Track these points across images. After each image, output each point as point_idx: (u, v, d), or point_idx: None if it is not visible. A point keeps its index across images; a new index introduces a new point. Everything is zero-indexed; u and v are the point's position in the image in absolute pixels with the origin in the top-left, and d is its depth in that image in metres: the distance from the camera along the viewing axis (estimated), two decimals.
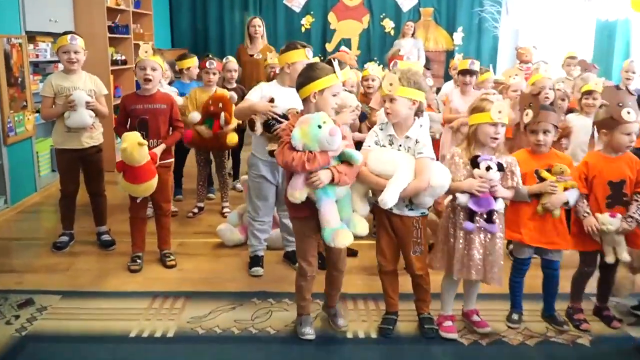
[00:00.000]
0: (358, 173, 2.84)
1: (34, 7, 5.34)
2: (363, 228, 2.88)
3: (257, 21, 6.70)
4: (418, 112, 2.89)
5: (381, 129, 2.95)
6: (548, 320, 3.24)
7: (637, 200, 3.02)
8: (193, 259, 4.07)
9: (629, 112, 2.99)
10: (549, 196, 3.00)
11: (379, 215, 3.05)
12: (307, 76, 2.81)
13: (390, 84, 2.84)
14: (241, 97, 4.97)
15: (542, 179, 3.03)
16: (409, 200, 2.88)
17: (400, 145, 2.89)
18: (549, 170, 3.04)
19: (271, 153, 3.45)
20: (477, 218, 2.87)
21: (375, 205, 2.96)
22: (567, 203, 3.03)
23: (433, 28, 9.88)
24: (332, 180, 2.70)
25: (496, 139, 2.86)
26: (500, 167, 2.86)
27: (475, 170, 2.86)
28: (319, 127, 2.66)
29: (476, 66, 4.90)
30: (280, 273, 3.84)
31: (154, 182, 3.68)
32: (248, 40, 6.73)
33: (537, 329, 3.18)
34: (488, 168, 2.83)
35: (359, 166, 2.81)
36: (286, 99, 3.42)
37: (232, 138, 4.75)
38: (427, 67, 5.74)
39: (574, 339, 3.09)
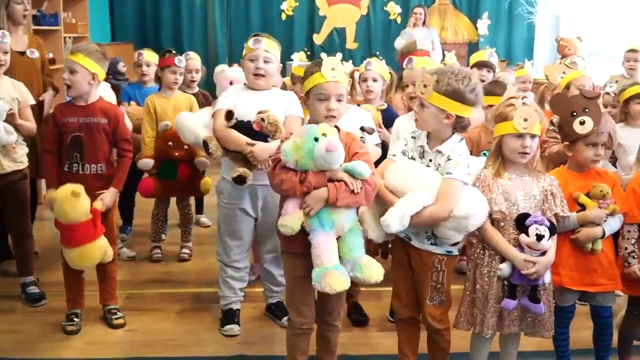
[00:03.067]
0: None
1: None
2: (373, 273, 2.86)
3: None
4: (458, 127, 2.93)
5: (413, 137, 3.04)
6: None
7: None
8: (146, 316, 4.09)
9: None
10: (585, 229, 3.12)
11: (396, 248, 3.14)
12: (303, 78, 2.95)
13: (425, 86, 2.91)
14: (204, 104, 5.09)
15: (582, 206, 3.14)
16: (431, 231, 2.96)
17: (430, 160, 2.97)
18: (587, 195, 3.15)
19: (237, 179, 3.53)
20: (518, 291, 2.97)
21: (397, 235, 3.03)
22: (603, 235, 3.14)
23: (451, 14, 10.08)
24: (327, 201, 2.77)
25: (526, 153, 2.96)
26: (553, 231, 2.96)
27: (522, 238, 2.93)
28: (316, 140, 2.75)
29: (495, 59, 5.03)
30: (262, 331, 3.87)
31: (93, 248, 3.65)
32: None
33: None
34: (540, 237, 2.89)
35: (372, 184, 2.84)
36: (253, 104, 3.57)
37: (207, 183, 4.82)
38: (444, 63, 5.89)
39: None
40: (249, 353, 3.63)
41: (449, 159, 2.88)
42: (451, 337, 3.14)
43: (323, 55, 3.08)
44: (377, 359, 3.57)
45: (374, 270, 2.87)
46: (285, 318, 3.76)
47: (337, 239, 2.85)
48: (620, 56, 6.32)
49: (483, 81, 4.73)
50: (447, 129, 2.93)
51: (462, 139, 2.95)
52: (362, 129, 3.42)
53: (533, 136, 2.96)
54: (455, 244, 2.99)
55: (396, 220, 2.80)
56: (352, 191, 2.78)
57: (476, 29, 10.02)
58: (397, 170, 2.97)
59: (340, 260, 2.83)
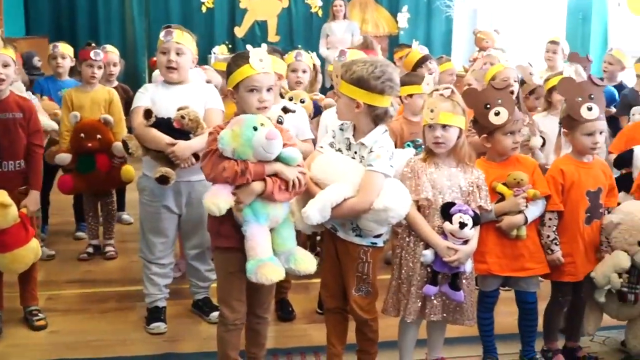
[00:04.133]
0: None
1: None
2: (308, 265, 2.93)
3: None
4: (375, 117, 2.94)
5: (341, 129, 3.05)
6: None
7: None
8: (69, 317, 4.02)
9: (589, 109, 3.24)
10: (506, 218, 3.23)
11: (325, 239, 3.17)
12: (227, 71, 2.92)
13: (337, 76, 2.97)
14: (124, 99, 5.01)
15: (502, 195, 3.25)
16: (356, 223, 2.98)
17: (355, 153, 2.99)
18: (505, 184, 3.26)
19: (160, 180, 3.49)
20: (440, 278, 3.05)
21: (325, 227, 3.06)
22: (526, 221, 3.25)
23: (372, 8, 10.19)
24: (262, 193, 2.78)
25: (439, 143, 3.05)
26: (477, 221, 3.05)
27: (446, 225, 3.01)
28: (255, 129, 2.76)
29: (425, 51, 5.14)
30: (189, 328, 3.85)
31: (26, 251, 3.61)
32: None
33: None
34: (463, 225, 2.98)
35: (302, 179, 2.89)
36: (172, 100, 3.55)
37: (129, 171, 4.74)
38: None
39: None
40: (176, 351, 3.60)
41: (370, 151, 2.91)
42: (382, 325, 3.19)
43: (248, 47, 3.08)
44: (306, 351, 3.60)
45: (308, 261, 2.94)
46: (213, 314, 3.77)
47: (271, 230, 2.87)
48: (534, 48, 6.56)
49: (431, 73, 4.82)
50: (365, 120, 2.94)
51: (386, 130, 2.98)
52: (285, 109, 3.44)
53: (445, 126, 3.04)
54: (378, 236, 3.03)
55: (316, 212, 2.82)
56: (287, 188, 2.82)
57: (396, 22, 10.16)
58: (322, 162, 3.00)
59: (274, 253, 2.85)
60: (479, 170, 3.17)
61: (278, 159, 2.82)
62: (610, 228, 3.29)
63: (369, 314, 3.10)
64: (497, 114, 3.22)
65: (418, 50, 5.16)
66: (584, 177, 3.33)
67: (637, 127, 4.11)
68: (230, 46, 9.56)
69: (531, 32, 8.78)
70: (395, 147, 3.79)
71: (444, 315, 3.13)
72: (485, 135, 3.30)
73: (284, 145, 2.83)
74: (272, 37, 9.73)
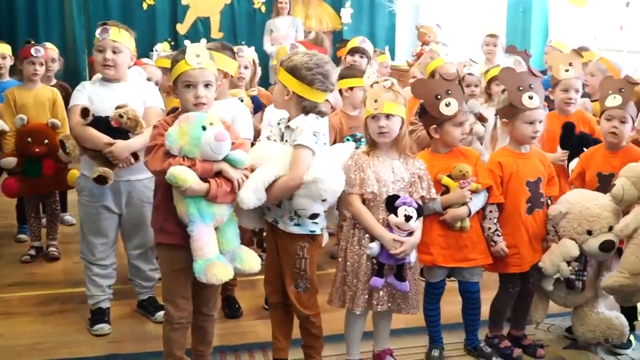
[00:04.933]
0: None
1: None
2: (253, 264, 2.95)
3: None
4: (304, 109, 2.98)
5: (278, 124, 3.09)
6: (473, 352, 3.52)
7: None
8: (12, 320, 3.96)
9: (530, 97, 3.32)
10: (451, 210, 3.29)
11: (267, 235, 3.20)
12: (171, 67, 2.92)
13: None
14: (63, 97, 4.94)
15: (446, 187, 3.30)
16: (294, 211, 2.99)
17: (286, 141, 3.02)
18: (449, 176, 3.31)
19: (98, 180, 3.45)
20: (386, 270, 3.09)
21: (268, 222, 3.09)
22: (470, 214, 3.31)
23: (315, 3, 10.19)
24: (207, 195, 2.77)
25: (383, 133, 3.09)
26: (420, 213, 3.09)
27: (392, 218, 3.05)
28: (204, 128, 2.75)
29: (368, 45, 5.19)
30: (134, 329, 3.83)
31: None
32: None
33: None
34: (408, 218, 3.02)
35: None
36: (111, 98, 3.52)
37: (75, 175, 4.64)
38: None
39: None
40: (121, 351, 3.57)
41: (295, 129, 2.95)
42: (328, 319, 3.24)
43: (187, 42, 3.08)
44: (253, 347, 3.61)
45: (252, 260, 2.95)
46: (158, 313, 3.75)
47: (215, 230, 2.87)
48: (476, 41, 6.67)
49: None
50: (294, 109, 2.99)
51: (317, 117, 2.99)
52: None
53: (388, 116, 3.08)
54: (315, 221, 3.01)
55: (250, 194, 2.84)
56: (231, 189, 2.83)
57: (340, 17, 10.20)
58: (255, 150, 3.04)
59: (219, 252, 2.85)
60: (419, 160, 3.23)
61: (225, 160, 2.83)
62: (559, 218, 3.37)
63: (309, 309, 3.12)
64: (447, 104, 3.26)
65: (357, 40, 5.23)
66: (522, 168, 3.39)
67: (549, 117, 4.18)
68: (172, 43, 9.45)
69: (472, 25, 8.90)
70: (335, 142, 3.85)
71: (390, 305, 3.17)
72: (434, 126, 3.34)
73: (232, 143, 2.85)
74: (215, 33, 9.65)
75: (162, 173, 2.76)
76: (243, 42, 9.19)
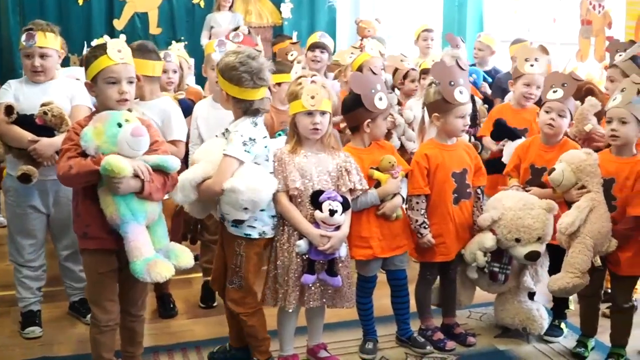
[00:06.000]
0: None
1: None
2: (187, 259, 2.93)
3: None
4: (241, 109, 3.01)
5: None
6: (407, 343, 3.56)
7: (478, 199, 3.55)
8: None
9: (461, 92, 3.38)
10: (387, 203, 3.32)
11: (219, 228, 3.25)
12: (85, 64, 2.86)
13: (211, 68, 3.08)
14: None
15: (378, 181, 3.32)
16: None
17: (227, 139, 3.04)
18: (378, 169, 3.33)
19: (21, 178, 3.39)
20: (317, 266, 3.09)
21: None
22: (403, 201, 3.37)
23: None
24: (141, 192, 2.73)
25: (317, 130, 3.09)
26: (347, 206, 3.09)
27: (317, 213, 3.05)
28: (119, 125, 2.70)
29: (328, 40, 5.18)
30: (66, 331, 3.77)
31: None
32: None
33: (395, 355, 3.49)
34: (332, 212, 3.02)
35: (175, 177, 2.90)
36: (37, 96, 3.46)
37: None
38: (257, 49, 5.89)
39: None
40: (52, 354, 3.52)
41: (229, 137, 2.97)
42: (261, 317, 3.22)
43: (106, 37, 3.01)
44: (188, 346, 3.57)
45: (187, 255, 2.94)
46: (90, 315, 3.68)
47: (147, 228, 2.84)
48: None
49: (318, 61, 4.99)
50: (235, 110, 3.05)
51: (253, 121, 3.00)
52: None
53: (323, 113, 3.09)
54: (238, 223, 3.03)
55: (177, 191, 2.91)
56: (164, 184, 2.82)
57: (280, 12, 10.16)
58: (200, 147, 3.17)
59: None
60: (345, 153, 3.25)
61: (157, 164, 2.80)
62: (490, 225, 3.43)
63: (241, 308, 3.11)
64: (380, 99, 3.29)
65: (317, 35, 5.22)
66: (448, 160, 3.44)
67: (504, 109, 4.28)
68: (125, 38, 9.28)
69: (410, 19, 8.96)
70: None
71: (323, 300, 3.18)
72: (369, 120, 3.33)
73: (155, 142, 2.84)
74: (154, 29, 9.51)
75: (65, 178, 2.72)
76: (182, 38, 9.11)
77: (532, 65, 4.07)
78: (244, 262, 3.06)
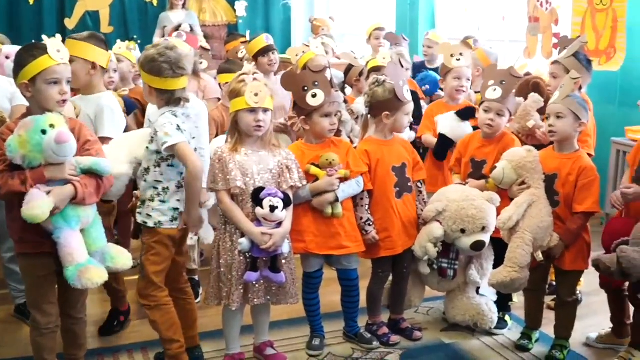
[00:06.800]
0: None
1: None
2: (125, 260, 2.92)
3: None
4: (163, 101, 3.03)
5: None
6: (354, 339, 3.59)
7: (420, 192, 3.61)
8: None
9: (407, 90, 3.45)
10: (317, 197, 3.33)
11: None
12: (16, 63, 2.79)
13: None
14: None
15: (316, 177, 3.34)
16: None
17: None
18: (317, 165, 3.34)
19: None
20: (260, 263, 3.09)
21: None
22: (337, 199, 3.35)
23: None
24: (75, 198, 2.70)
25: (260, 127, 3.09)
26: (288, 202, 3.10)
27: (258, 210, 3.05)
28: (44, 132, 2.63)
29: (271, 40, 5.18)
30: (11, 334, 3.73)
31: None
32: None
33: (342, 351, 3.52)
34: (273, 209, 3.03)
35: (111, 179, 2.89)
36: None
37: None
38: (205, 48, 5.84)
39: (384, 356, 3.48)
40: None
41: (155, 132, 2.98)
42: (205, 314, 3.35)
43: (44, 37, 2.97)
44: (134, 347, 3.55)
45: (124, 257, 2.91)
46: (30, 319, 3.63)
47: (81, 231, 2.81)
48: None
49: (275, 63, 4.96)
50: (158, 102, 3.08)
51: (170, 110, 3.02)
52: None
53: (265, 110, 3.09)
54: (140, 208, 3.10)
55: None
56: (97, 188, 2.79)
57: (234, 10, 10.12)
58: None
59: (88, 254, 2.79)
60: (286, 150, 3.26)
61: (89, 168, 2.77)
62: (436, 217, 3.47)
63: (144, 299, 3.13)
64: (314, 95, 3.29)
65: (263, 39, 5.14)
66: (387, 155, 3.48)
67: (437, 106, 4.34)
68: (61, 39, 9.13)
69: (364, 18, 9.00)
70: (217, 135, 3.82)
71: (268, 297, 3.19)
72: (303, 117, 3.36)
73: (87, 142, 2.82)
74: (105, 28, 9.41)
75: None
76: (135, 37, 9.05)
77: (458, 60, 4.14)
78: (144, 252, 3.08)
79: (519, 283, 3.26)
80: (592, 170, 3.30)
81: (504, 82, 3.55)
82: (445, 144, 4.05)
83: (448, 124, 3.99)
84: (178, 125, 2.95)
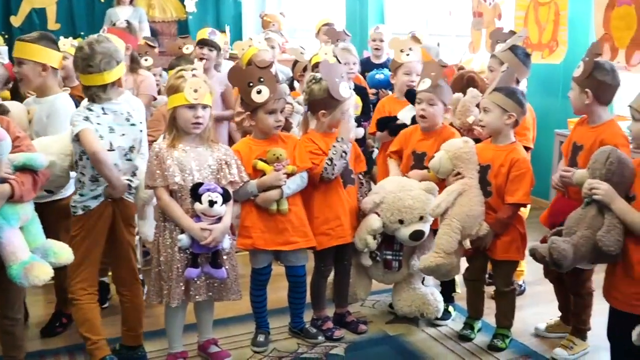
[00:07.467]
0: None
1: None
2: (67, 255, 2.87)
3: None
4: (89, 97, 3.06)
5: None
6: (299, 334, 3.60)
7: (362, 184, 3.68)
8: None
9: (345, 87, 3.45)
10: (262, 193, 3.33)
11: None
12: None
13: None
14: None
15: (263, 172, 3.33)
16: None
17: None
18: (264, 160, 3.34)
19: None
20: (200, 260, 3.08)
21: None
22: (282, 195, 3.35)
23: None
24: (12, 197, 2.65)
25: (199, 124, 3.07)
26: (227, 198, 3.08)
27: (197, 206, 3.03)
28: None
29: (218, 37, 5.14)
30: None
31: None
32: None
33: (287, 347, 3.53)
34: (212, 203, 3.01)
35: (47, 173, 2.84)
36: None
37: None
38: (150, 44, 5.76)
39: (328, 350, 3.50)
40: None
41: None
42: (147, 314, 3.28)
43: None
44: (74, 349, 3.50)
45: (66, 251, 2.87)
46: None
47: (20, 229, 2.76)
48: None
49: (206, 59, 4.93)
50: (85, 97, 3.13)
51: (89, 108, 3.03)
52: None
53: (204, 106, 3.07)
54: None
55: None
56: (35, 183, 2.75)
57: (184, 6, 10.04)
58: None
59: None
60: (225, 146, 3.25)
61: (23, 164, 2.73)
62: (374, 208, 3.49)
63: (72, 292, 3.12)
64: (259, 92, 3.29)
65: (206, 32, 5.16)
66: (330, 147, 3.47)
67: (388, 101, 4.36)
68: (7, 36, 9.00)
69: (315, 13, 9.01)
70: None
71: (210, 294, 3.18)
72: (249, 113, 3.36)
73: (16, 138, 2.76)
74: (52, 24, 9.27)
75: None
76: (82, 33, 8.90)
77: (407, 55, 4.15)
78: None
79: (445, 269, 3.33)
80: (525, 162, 3.36)
81: (433, 73, 3.60)
82: (391, 122, 4.05)
83: (408, 115, 3.98)
84: (86, 117, 2.96)
